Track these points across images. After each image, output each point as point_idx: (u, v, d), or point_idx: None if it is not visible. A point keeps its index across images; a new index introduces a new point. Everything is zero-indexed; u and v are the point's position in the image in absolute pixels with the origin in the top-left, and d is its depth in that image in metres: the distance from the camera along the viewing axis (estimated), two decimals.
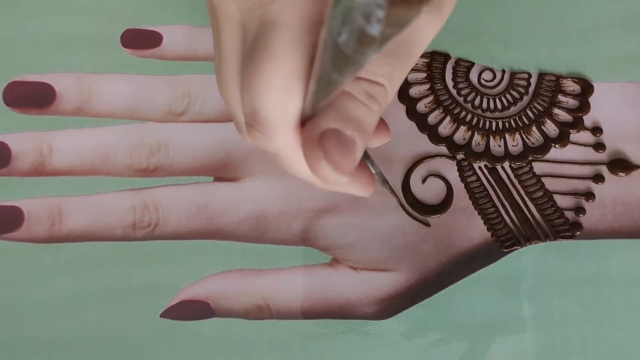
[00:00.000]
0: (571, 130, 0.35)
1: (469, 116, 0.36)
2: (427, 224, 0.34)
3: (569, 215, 0.34)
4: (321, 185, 0.22)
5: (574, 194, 0.35)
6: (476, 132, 0.36)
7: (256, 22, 0.20)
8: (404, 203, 0.34)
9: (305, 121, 0.21)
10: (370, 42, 0.14)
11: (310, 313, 0.34)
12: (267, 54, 0.20)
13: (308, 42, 0.20)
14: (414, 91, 0.36)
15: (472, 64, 0.37)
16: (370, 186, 0.24)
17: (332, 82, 0.18)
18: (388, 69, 0.21)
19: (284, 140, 0.21)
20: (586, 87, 0.36)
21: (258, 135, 0.21)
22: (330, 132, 0.20)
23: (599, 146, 0.35)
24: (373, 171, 0.26)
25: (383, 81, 0.21)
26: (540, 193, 0.35)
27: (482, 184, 0.35)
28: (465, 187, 0.35)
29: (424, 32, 0.22)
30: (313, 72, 0.19)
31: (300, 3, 0.20)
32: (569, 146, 0.35)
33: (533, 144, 0.35)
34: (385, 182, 0.32)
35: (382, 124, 0.26)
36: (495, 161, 0.35)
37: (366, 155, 0.26)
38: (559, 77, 0.36)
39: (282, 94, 0.20)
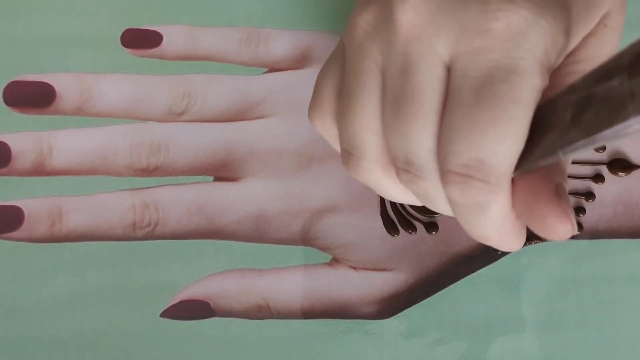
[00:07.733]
0: None
1: None
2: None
3: None
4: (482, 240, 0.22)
5: (574, 193, 0.35)
6: None
7: (479, 68, 0.19)
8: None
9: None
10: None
11: (310, 313, 0.34)
12: (509, 102, 0.19)
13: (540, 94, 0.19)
14: None
15: None
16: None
17: (556, 159, 0.18)
18: None
19: (508, 193, 0.20)
20: None
21: (480, 185, 0.20)
22: (561, 186, 0.20)
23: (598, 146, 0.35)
24: None
25: None
26: None
27: None
28: None
29: None
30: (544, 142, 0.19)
31: (542, 52, 0.19)
32: None
33: None
34: None
35: None
36: None
37: None
38: None
39: (520, 144, 0.19)
